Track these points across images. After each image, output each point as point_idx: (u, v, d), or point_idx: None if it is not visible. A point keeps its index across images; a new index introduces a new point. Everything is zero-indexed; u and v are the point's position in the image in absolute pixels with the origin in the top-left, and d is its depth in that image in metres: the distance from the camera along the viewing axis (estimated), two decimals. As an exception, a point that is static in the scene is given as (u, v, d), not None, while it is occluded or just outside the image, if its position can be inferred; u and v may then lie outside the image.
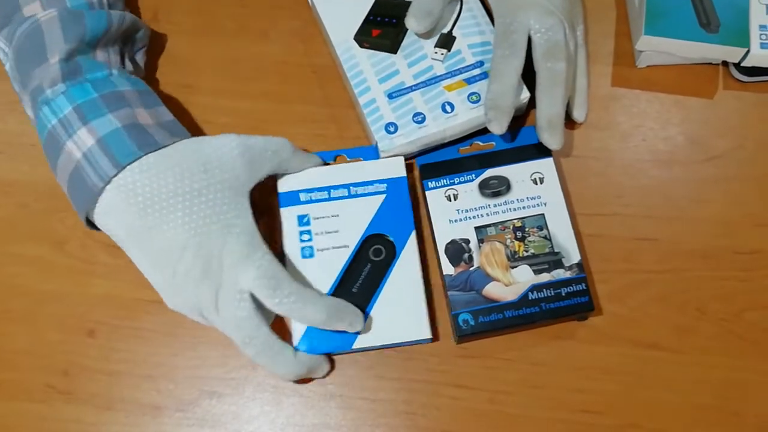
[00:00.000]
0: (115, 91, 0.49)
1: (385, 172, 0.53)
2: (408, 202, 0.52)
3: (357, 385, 0.51)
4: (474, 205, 0.53)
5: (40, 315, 0.53)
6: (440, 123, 0.53)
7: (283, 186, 0.53)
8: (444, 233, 0.52)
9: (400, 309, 0.50)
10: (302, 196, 0.52)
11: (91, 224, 0.50)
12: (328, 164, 0.54)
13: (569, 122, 0.57)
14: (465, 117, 0.53)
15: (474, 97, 0.53)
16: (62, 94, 0.48)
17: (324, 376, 0.51)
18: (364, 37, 0.55)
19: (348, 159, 0.55)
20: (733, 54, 0.56)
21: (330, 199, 0.52)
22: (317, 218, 0.52)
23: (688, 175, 0.56)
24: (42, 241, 0.55)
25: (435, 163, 0.54)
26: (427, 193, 0.53)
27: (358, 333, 0.49)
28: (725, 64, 0.59)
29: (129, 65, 0.54)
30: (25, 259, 0.55)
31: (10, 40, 0.51)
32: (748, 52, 0.56)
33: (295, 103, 0.59)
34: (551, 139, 0.52)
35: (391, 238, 0.51)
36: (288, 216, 0.52)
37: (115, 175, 0.46)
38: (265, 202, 0.54)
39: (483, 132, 0.56)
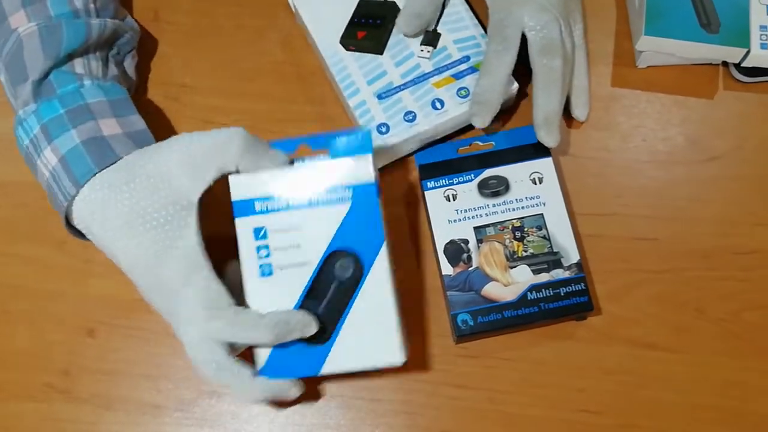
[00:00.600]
0: (82, 104, 0.49)
1: (351, 176, 0.46)
2: (377, 211, 0.46)
3: (357, 385, 0.51)
4: (473, 205, 0.53)
5: (40, 315, 0.53)
6: (431, 120, 0.53)
7: (237, 193, 0.47)
8: (443, 233, 0.52)
9: (370, 331, 0.46)
10: (258, 205, 0.46)
11: (74, 230, 0.50)
12: (291, 159, 0.47)
13: (569, 122, 0.57)
14: (455, 113, 0.54)
15: (463, 92, 0.54)
16: (33, 114, 0.49)
17: (295, 400, 0.50)
18: (350, 40, 0.56)
19: (312, 149, 0.48)
20: (733, 54, 0.56)
21: (289, 208, 0.46)
22: (275, 231, 0.46)
23: (688, 175, 0.56)
24: (42, 241, 0.55)
25: (434, 163, 0.54)
26: (426, 193, 0.53)
27: (325, 357, 0.46)
28: (725, 64, 0.59)
29: (114, 70, 0.54)
30: (25, 259, 0.55)
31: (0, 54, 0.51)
32: (748, 52, 0.56)
33: (294, 102, 0.59)
34: (548, 136, 0.52)
35: (359, 253, 0.46)
36: (243, 228, 0.46)
37: (76, 194, 0.47)
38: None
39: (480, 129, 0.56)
